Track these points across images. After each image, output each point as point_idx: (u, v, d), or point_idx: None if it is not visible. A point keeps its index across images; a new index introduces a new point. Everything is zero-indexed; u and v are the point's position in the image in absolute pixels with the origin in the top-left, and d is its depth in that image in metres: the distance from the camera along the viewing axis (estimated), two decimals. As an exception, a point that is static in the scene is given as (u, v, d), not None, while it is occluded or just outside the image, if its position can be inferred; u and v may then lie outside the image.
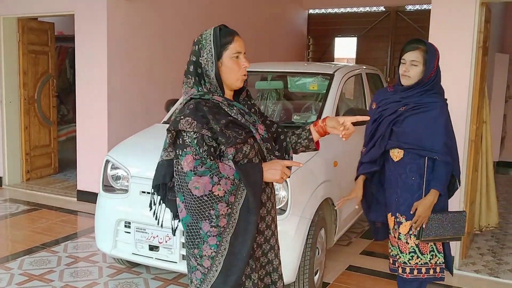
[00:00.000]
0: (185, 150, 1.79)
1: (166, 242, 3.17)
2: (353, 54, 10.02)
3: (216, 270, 1.82)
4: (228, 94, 1.93)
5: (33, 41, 6.44)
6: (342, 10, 10.12)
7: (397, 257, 2.75)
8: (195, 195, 1.76)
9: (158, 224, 2.10)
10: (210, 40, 1.87)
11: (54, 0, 5.75)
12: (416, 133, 2.61)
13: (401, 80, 2.66)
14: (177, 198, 1.86)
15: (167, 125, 1.90)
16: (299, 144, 2.10)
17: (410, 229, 2.66)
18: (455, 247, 3.94)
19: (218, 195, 1.76)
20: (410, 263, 2.70)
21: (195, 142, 1.78)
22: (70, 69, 8.97)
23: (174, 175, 1.86)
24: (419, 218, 2.58)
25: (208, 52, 1.86)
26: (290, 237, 2.97)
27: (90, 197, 5.40)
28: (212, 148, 1.81)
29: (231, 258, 1.82)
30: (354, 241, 4.56)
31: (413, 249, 2.69)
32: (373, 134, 2.77)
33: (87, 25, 5.54)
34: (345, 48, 10.26)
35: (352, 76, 4.43)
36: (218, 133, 1.80)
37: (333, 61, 9.92)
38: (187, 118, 1.79)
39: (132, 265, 3.80)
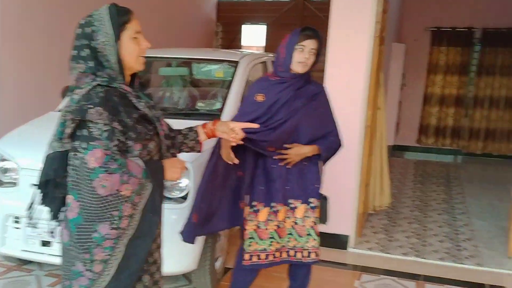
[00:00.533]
0: (91, 143, 1.61)
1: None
2: (262, 42, 10.12)
3: (108, 274, 1.67)
4: (127, 80, 1.79)
5: None
6: (251, -3, 10.17)
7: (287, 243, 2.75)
8: (99, 195, 1.60)
9: (30, 225, 1.92)
10: (106, 21, 1.70)
11: None
12: (314, 120, 2.68)
13: (294, 67, 2.61)
14: (69, 196, 1.68)
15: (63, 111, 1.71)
16: (185, 144, 2.05)
17: (306, 211, 2.71)
18: (351, 227, 4.15)
19: (125, 195, 1.63)
20: (307, 246, 2.75)
21: (106, 135, 1.62)
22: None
23: (69, 170, 1.67)
24: (289, 156, 2.61)
25: (105, 34, 1.69)
26: (191, 225, 2.93)
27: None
28: (120, 143, 1.66)
29: (126, 261, 1.69)
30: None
31: (309, 231, 2.74)
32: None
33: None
34: (255, 36, 10.32)
35: (258, 64, 4.45)
36: (129, 128, 1.67)
37: (241, 49, 9.97)
38: (98, 108, 1.61)
39: (22, 263, 3.56)
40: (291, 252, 2.75)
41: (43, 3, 5.58)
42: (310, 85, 2.70)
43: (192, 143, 2.05)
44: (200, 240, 2.97)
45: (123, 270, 1.69)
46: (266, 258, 2.70)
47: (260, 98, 2.65)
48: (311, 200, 2.71)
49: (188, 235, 2.64)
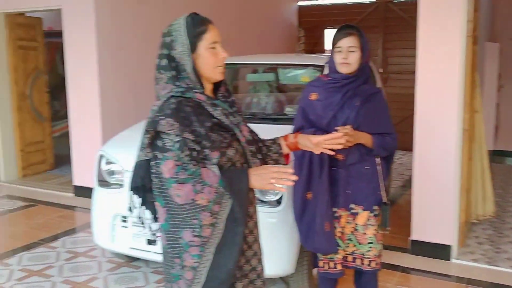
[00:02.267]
0: (165, 154, 1.64)
1: (163, 235, 3.21)
2: (344, 45, 10.04)
3: (199, 282, 1.69)
4: (208, 88, 1.80)
5: (21, 37, 6.42)
6: (332, 1, 10.14)
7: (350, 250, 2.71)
8: (177, 203, 1.64)
9: (143, 225, 1.92)
10: (183, 31, 1.72)
11: (42, -5, 5.74)
12: (371, 121, 2.62)
13: (338, 69, 2.57)
14: (156, 203, 1.73)
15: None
16: (269, 156, 1.99)
17: (368, 219, 2.65)
18: (453, 236, 3.98)
19: (201, 204, 1.63)
20: (368, 255, 2.68)
21: (177, 146, 1.64)
22: (61, 65, 8.94)
23: (153, 177, 1.71)
24: (347, 134, 2.43)
25: (181, 44, 1.71)
26: (287, 229, 3.00)
27: (86, 192, 5.41)
28: (195, 152, 1.67)
29: (215, 270, 1.69)
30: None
31: (371, 239, 2.67)
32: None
33: (75, 20, 5.53)
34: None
35: (343, 67, 4.46)
36: (202, 136, 1.67)
37: (324, 53, 9.96)
38: (168, 119, 1.64)
39: (131, 259, 3.84)
40: (349, 258, 2.71)
41: (137, 13, 5.95)
42: (366, 86, 2.62)
43: (276, 156, 2.00)
44: (296, 244, 3.03)
45: (212, 279, 1.70)
46: (334, 268, 2.68)
47: (314, 96, 2.66)
48: (375, 207, 2.66)
49: (326, 246, 2.61)
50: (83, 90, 5.61)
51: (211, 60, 1.73)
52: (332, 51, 2.59)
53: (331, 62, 2.62)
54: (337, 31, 2.57)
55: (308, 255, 3.14)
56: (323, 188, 2.58)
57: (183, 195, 1.62)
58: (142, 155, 1.74)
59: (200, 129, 1.68)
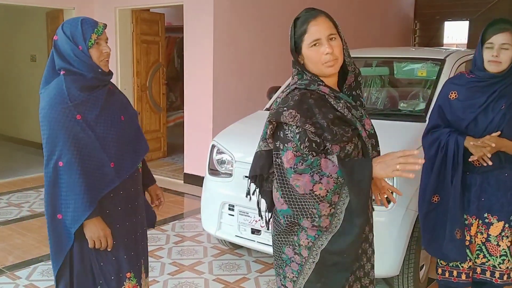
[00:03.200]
0: (286, 145, 1.68)
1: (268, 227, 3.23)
2: (464, 39, 9.42)
3: (313, 262, 1.74)
4: (332, 81, 1.77)
5: (145, 32, 6.84)
6: (453, -9, 9.53)
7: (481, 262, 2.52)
8: (297, 192, 1.67)
9: (259, 214, 1.99)
10: (290, 33, 1.78)
11: (165, -8, 6.06)
12: None
13: (486, 67, 2.36)
14: (275, 191, 1.78)
15: (268, 112, 1.82)
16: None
17: (503, 230, 2.43)
18: None
19: (319, 194, 1.63)
20: (500, 267, 2.47)
21: (297, 137, 1.66)
22: (177, 59, 9.43)
23: (274, 167, 1.76)
24: (489, 142, 2.28)
25: (291, 45, 1.79)
26: (395, 229, 2.88)
27: (196, 180, 5.66)
28: (314, 144, 1.67)
29: (329, 255, 1.72)
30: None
31: (505, 252, 2.46)
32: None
33: (195, 15, 5.76)
34: (455, 32, 9.66)
35: (464, 62, 4.15)
36: (324, 129, 1.67)
37: (442, 47, 9.39)
38: (291, 110, 1.67)
39: (234, 247, 3.93)
40: (478, 270, 2.51)
41: (253, 9, 6.06)
42: None
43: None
44: (403, 245, 2.90)
45: (326, 261, 1.73)
46: (458, 276, 2.52)
47: (453, 95, 2.48)
48: (486, 215, 2.44)
49: (455, 254, 2.49)
50: (198, 83, 5.83)
51: (315, 59, 1.73)
52: (481, 47, 2.39)
53: (478, 58, 2.41)
54: (489, 25, 2.37)
55: (414, 257, 2.99)
56: (455, 193, 2.44)
57: (301, 185, 1.64)
58: (263, 145, 1.81)
59: (322, 121, 1.68)
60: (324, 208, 1.66)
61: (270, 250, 3.27)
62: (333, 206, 1.67)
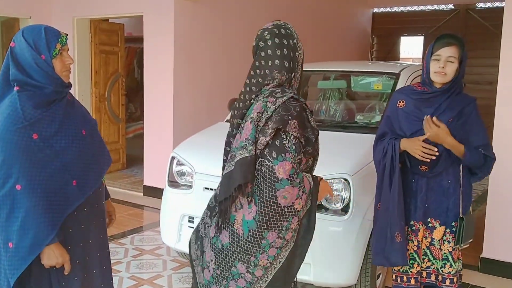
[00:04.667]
0: (283, 155, 1.65)
1: (228, 238, 3.23)
2: (419, 54, 9.74)
3: (266, 281, 1.76)
4: None
5: (104, 42, 6.75)
6: (409, 8, 9.86)
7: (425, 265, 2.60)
8: (279, 204, 1.65)
9: (219, 215, 1.82)
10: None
11: (124, 2, 6.00)
12: (465, 136, 2.49)
13: (433, 77, 2.46)
14: (244, 200, 1.73)
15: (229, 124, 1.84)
16: None
17: (444, 234, 2.54)
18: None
19: (297, 208, 1.68)
20: (442, 271, 2.56)
21: (294, 148, 1.67)
22: (138, 69, 9.33)
23: (256, 175, 1.70)
24: (432, 130, 2.37)
25: (302, 50, 1.83)
26: (352, 238, 2.94)
27: (155, 192, 5.59)
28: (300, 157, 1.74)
29: (282, 272, 1.77)
30: (418, 246, 4.42)
31: (446, 256, 2.55)
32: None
33: (155, 25, 5.74)
34: (411, 47, 9.99)
35: (418, 76, 4.30)
36: (311, 143, 1.72)
37: (399, 61, 9.69)
38: (295, 120, 1.68)
39: (194, 260, 3.89)
40: (424, 273, 2.59)
41: (213, 22, 6.09)
42: (458, 98, 2.49)
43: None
44: (360, 254, 2.96)
45: (278, 279, 1.77)
46: (407, 282, 2.58)
47: (401, 104, 2.56)
48: (453, 224, 2.53)
49: (397, 257, 2.52)
50: (159, 93, 5.79)
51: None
52: (427, 59, 2.49)
53: (426, 70, 2.51)
54: (437, 39, 2.49)
55: (372, 267, 3.05)
56: (393, 199, 2.50)
57: (289, 198, 1.65)
58: (247, 150, 1.71)
59: (312, 136, 1.75)
60: (294, 222, 1.71)
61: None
62: (299, 221, 1.74)
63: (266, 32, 1.86)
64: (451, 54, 2.42)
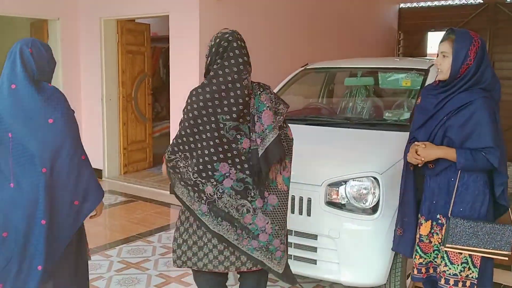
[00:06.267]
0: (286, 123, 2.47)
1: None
2: (447, 49, 9.55)
3: None
4: None
5: (130, 42, 6.81)
6: (436, 3, 9.68)
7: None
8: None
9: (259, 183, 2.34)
10: None
11: (150, 2, 6.04)
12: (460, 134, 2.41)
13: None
14: (278, 164, 2.34)
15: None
16: None
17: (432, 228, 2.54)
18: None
19: None
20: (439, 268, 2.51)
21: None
22: (163, 69, 9.41)
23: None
24: (419, 156, 2.43)
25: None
26: (381, 238, 2.90)
27: (181, 190, 5.60)
28: None
29: None
30: (448, 245, 4.33)
31: (437, 247, 2.52)
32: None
33: (180, 25, 5.76)
34: (438, 43, 9.80)
35: (448, 72, 4.21)
36: None
37: (426, 57, 9.52)
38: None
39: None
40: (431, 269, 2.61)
41: (234, 23, 6.08)
42: (462, 95, 2.38)
43: None
44: (389, 253, 2.91)
45: None
46: (418, 272, 2.59)
47: (418, 100, 2.60)
48: (438, 216, 2.49)
49: (399, 247, 2.71)
50: (184, 93, 5.77)
51: None
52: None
53: None
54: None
55: (401, 266, 3.00)
56: (400, 195, 2.66)
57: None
58: (273, 134, 2.29)
59: None
60: None
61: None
62: None
63: (227, 35, 2.39)
64: (443, 49, 2.42)
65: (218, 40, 2.38)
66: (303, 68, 4.60)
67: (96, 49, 6.49)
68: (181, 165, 2.33)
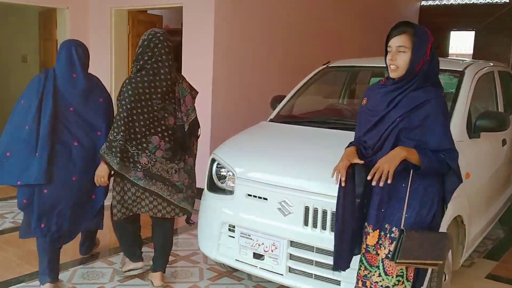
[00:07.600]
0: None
1: (272, 251, 2.93)
2: (469, 49, 9.20)
3: None
4: None
5: (141, 33, 6.47)
6: (459, 1, 9.32)
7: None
8: None
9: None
10: None
11: (163, -8, 5.77)
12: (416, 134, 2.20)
13: (389, 71, 2.23)
14: None
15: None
16: None
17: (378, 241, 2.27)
18: None
19: None
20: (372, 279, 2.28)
21: None
22: (174, 62, 9.11)
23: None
24: (378, 166, 2.14)
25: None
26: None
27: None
28: None
29: None
30: (477, 262, 4.02)
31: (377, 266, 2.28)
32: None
33: (195, 17, 5.47)
34: (462, 43, 9.45)
35: (484, 74, 3.88)
36: None
37: (447, 57, 9.17)
38: None
39: (233, 269, 3.59)
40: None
41: (256, 15, 5.79)
42: (418, 93, 2.19)
43: None
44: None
45: None
46: (363, 285, 2.36)
47: (364, 101, 2.39)
48: (386, 226, 2.24)
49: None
50: (196, 87, 5.50)
51: None
52: (385, 53, 2.28)
53: (386, 64, 2.28)
54: (391, 29, 2.24)
55: (439, 269, 2.69)
56: (338, 224, 2.40)
57: None
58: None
59: None
60: None
61: (273, 278, 2.98)
62: None
63: (159, 34, 3.08)
64: (401, 43, 2.19)
65: (151, 36, 3.08)
66: (324, 66, 4.30)
67: (106, 40, 6.22)
68: (122, 142, 2.89)
